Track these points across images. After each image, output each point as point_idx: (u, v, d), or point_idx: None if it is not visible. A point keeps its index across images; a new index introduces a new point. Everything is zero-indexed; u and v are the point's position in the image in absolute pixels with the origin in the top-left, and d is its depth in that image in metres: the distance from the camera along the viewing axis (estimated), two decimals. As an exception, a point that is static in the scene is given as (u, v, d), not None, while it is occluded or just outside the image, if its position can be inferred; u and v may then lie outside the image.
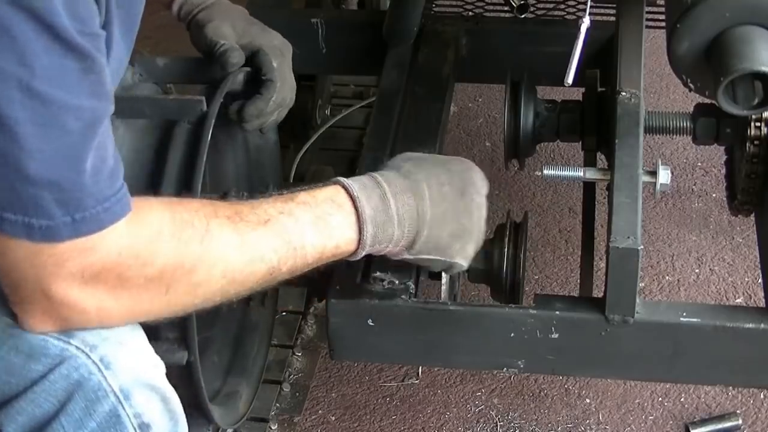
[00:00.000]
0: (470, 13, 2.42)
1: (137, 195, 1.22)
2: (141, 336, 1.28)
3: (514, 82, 1.92)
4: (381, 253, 1.47)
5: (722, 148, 2.02)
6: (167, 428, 1.30)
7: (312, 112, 2.53)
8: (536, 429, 2.11)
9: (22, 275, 1.16)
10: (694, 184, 2.61)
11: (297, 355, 2.22)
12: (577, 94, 1.99)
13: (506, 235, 1.68)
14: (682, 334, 1.63)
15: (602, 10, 2.09)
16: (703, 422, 2.10)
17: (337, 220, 1.39)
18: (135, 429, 1.25)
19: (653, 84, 2.83)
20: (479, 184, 1.53)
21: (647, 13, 2.01)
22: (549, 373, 2.13)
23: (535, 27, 2.20)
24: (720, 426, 2.09)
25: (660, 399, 2.14)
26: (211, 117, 1.48)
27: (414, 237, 1.46)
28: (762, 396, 2.14)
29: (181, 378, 1.49)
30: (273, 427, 2.09)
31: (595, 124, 1.92)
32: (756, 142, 1.76)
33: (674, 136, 1.89)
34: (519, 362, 1.68)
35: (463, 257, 1.52)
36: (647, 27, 1.97)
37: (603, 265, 1.62)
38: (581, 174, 1.74)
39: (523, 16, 2.17)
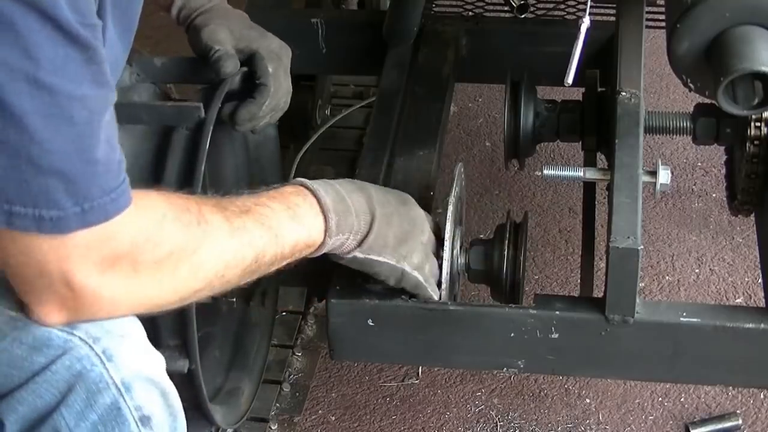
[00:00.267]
0: (470, 13, 2.42)
1: None
2: (141, 330, 1.29)
3: (514, 82, 1.92)
4: (339, 248, 1.51)
5: (722, 148, 2.02)
6: (167, 422, 1.30)
7: (312, 112, 2.53)
8: (536, 429, 2.11)
9: (41, 268, 1.16)
10: (694, 184, 2.61)
11: (297, 355, 2.22)
12: (577, 94, 1.99)
13: (506, 235, 1.69)
14: (682, 334, 1.63)
15: (602, 10, 2.09)
16: (703, 422, 2.10)
17: (304, 209, 1.45)
18: (135, 422, 1.26)
19: (653, 84, 2.83)
20: (417, 205, 1.62)
21: (647, 13, 2.01)
22: (549, 373, 2.13)
23: (535, 27, 2.20)
24: (720, 426, 2.09)
25: (660, 399, 2.14)
26: (209, 124, 1.49)
27: (367, 231, 1.51)
28: (762, 396, 2.14)
29: (183, 383, 1.50)
30: (273, 427, 2.09)
31: (595, 124, 1.92)
32: (756, 142, 1.76)
33: (674, 136, 1.89)
34: (519, 362, 1.68)
35: (411, 266, 1.55)
36: (647, 27, 1.97)
37: (603, 265, 1.62)
38: (581, 174, 1.74)
39: (523, 16, 2.17)
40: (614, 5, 2.03)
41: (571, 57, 1.61)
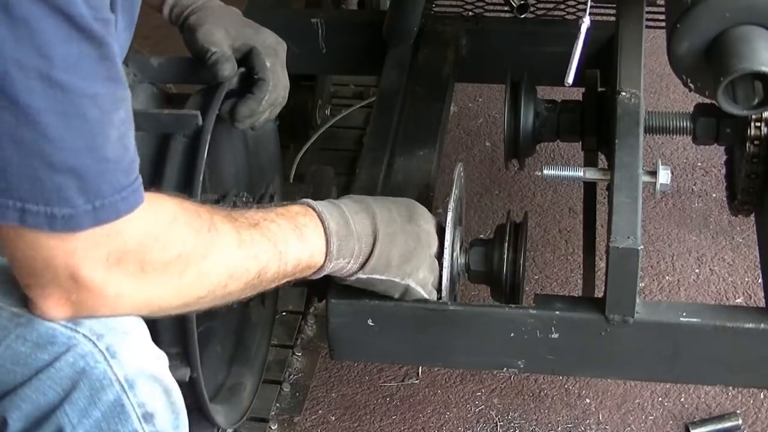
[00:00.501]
0: (470, 13, 2.42)
1: None
2: (144, 328, 1.29)
3: (514, 82, 1.92)
4: (339, 272, 1.52)
5: (722, 148, 2.02)
6: (169, 420, 1.30)
7: (312, 112, 2.53)
8: (536, 429, 2.11)
9: (48, 262, 1.17)
10: (694, 184, 2.61)
11: (297, 355, 2.22)
12: (577, 94, 1.99)
13: (506, 235, 1.68)
14: (682, 334, 1.63)
15: (602, 10, 2.09)
16: (703, 422, 2.10)
17: (310, 230, 1.46)
18: (139, 419, 1.26)
19: (653, 84, 2.84)
20: (426, 216, 1.61)
21: (647, 13, 2.01)
22: (549, 373, 2.13)
23: (535, 27, 2.20)
24: (720, 426, 2.09)
25: (660, 399, 2.14)
26: (207, 133, 1.49)
27: (369, 254, 1.52)
28: (762, 396, 2.14)
29: (185, 389, 1.51)
30: (273, 427, 2.09)
31: (595, 124, 1.92)
32: (756, 142, 1.76)
33: (674, 136, 1.89)
34: (519, 362, 1.68)
35: (416, 281, 1.56)
36: (647, 27, 1.97)
37: (603, 265, 1.62)
38: (581, 174, 1.74)
39: (523, 16, 2.17)
40: (614, 5, 2.03)
41: (571, 57, 1.61)
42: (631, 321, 1.61)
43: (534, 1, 2.33)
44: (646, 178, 1.68)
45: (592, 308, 1.63)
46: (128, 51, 1.44)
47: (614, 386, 2.16)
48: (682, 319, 1.62)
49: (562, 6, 2.47)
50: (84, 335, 1.22)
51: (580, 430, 2.10)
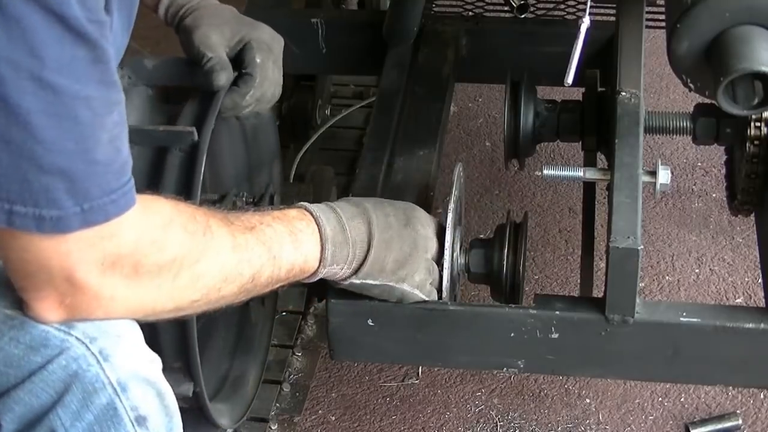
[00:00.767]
0: (470, 13, 2.42)
1: None
2: (138, 331, 1.29)
3: (514, 82, 1.92)
4: (333, 276, 1.52)
5: (722, 148, 2.02)
6: (163, 423, 1.30)
7: (312, 112, 2.53)
8: (536, 429, 2.11)
9: (42, 264, 1.17)
10: (694, 184, 2.61)
11: (297, 355, 2.22)
12: (577, 94, 1.99)
13: (506, 235, 1.68)
14: (682, 334, 1.63)
15: (602, 10, 2.09)
16: (703, 422, 2.10)
17: (305, 236, 1.46)
18: (131, 422, 1.26)
19: (653, 84, 2.84)
20: (424, 220, 1.60)
21: (647, 13, 2.01)
22: (549, 373, 2.13)
23: (535, 27, 2.20)
24: (720, 426, 2.09)
25: (660, 399, 2.14)
26: (203, 152, 1.49)
27: (363, 259, 1.52)
28: (762, 396, 2.14)
29: (188, 401, 1.53)
30: (273, 427, 2.09)
31: (595, 124, 1.92)
32: (756, 142, 1.76)
33: (674, 136, 1.89)
34: (519, 362, 1.68)
35: (411, 285, 1.56)
36: (647, 27, 1.97)
37: (603, 265, 1.62)
38: (581, 174, 1.74)
39: (523, 16, 2.17)
40: (614, 5, 2.03)
41: (571, 57, 1.61)
42: (631, 321, 1.61)
43: (534, 1, 2.33)
44: (646, 178, 1.68)
45: (592, 308, 1.63)
46: (125, 52, 1.44)
47: (614, 386, 2.16)
48: (682, 319, 1.62)
49: (562, 6, 2.47)
50: (77, 338, 1.22)
51: (580, 430, 2.10)
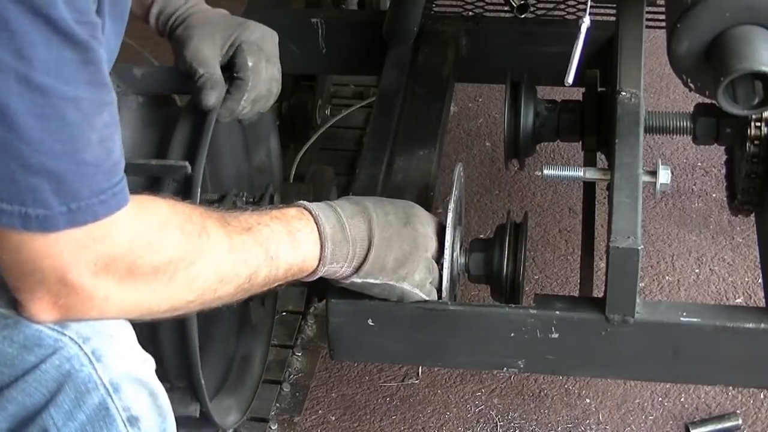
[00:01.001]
0: (470, 13, 2.42)
1: None
2: (131, 331, 1.29)
3: (514, 82, 1.92)
4: (333, 275, 1.52)
5: (722, 148, 2.02)
6: (156, 423, 1.30)
7: (312, 112, 2.53)
8: (536, 429, 2.11)
9: (34, 264, 1.17)
10: (694, 184, 2.61)
11: (297, 355, 2.22)
12: (577, 94, 1.99)
13: (506, 235, 1.68)
14: (682, 334, 1.63)
15: (602, 10, 2.09)
16: (703, 422, 2.10)
17: (304, 235, 1.46)
18: (124, 422, 1.26)
19: (653, 84, 2.84)
20: (424, 219, 1.60)
21: (647, 13, 2.01)
22: (549, 373, 2.13)
23: (535, 27, 2.20)
24: (720, 426, 2.09)
25: (660, 399, 2.14)
26: (197, 184, 1.49)
27: (363, 258, 1.52)
28: (762, 396, 2.14)
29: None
30: (273, 427, 2.09)
31: (595, 124, 1.92)
32: (756, 142, 1.76)
33: (674, 136, 1.89)
34: (519, 362, 1.68)
35: (411, 284, 1.56)
36: (647, 27, 1.97)
37: (603, 265, 1.62)
38: (581, 174, 1.74)
39: (523, 16, 2.17)
40: (614, 5, 2.03)
41: (571, 57, 1.61)
42: (631, 321, 1.61)
43: (534, 1, 2.33)
44: (646, 178, 1.68)
45: (592, 308, 1.63)
46: (117, 56, 1.43)
47: (614, 386, 2.16)
48: (682, 319, 1.62)
49: (562, 6, 2.47)
50: (70, 338, 1.22)
51: (580, 430, 2.10)
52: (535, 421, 2.12)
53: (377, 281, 1.54)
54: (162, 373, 1.34)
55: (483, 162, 2.69)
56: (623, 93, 1.80)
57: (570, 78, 1.60)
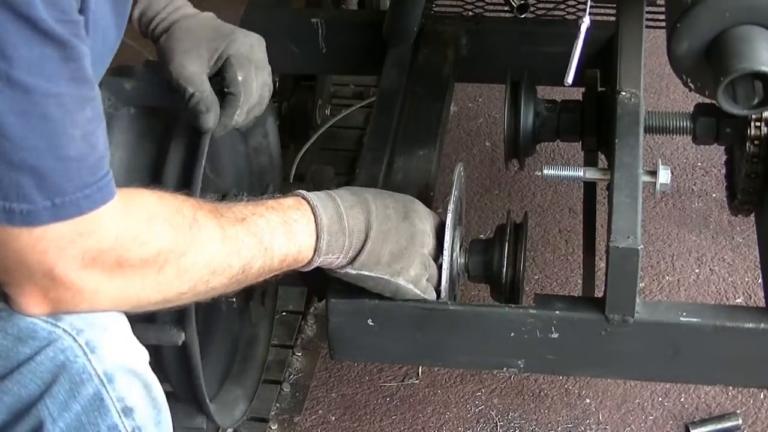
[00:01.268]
0: (470, 13, 2.42)
1: None
2: (125, 323, 1.30)
3: (514, 82, 1.92)
4: (328, 265, 1.52)
5: (722, 148, 2.02)
6: (150, 414, 1.31)
7: (312, 112, 2.53)
8: (536, 429, 2.11)
9: (20, 259, 1.18)
10: (694, 184, 2.61)
11: (297, 355, 2.22)
12: (577, 94, 1.99)
13: (506, 235, 1.68)
14: (682, 334, 1.63)
15: (602, 10, 2.09)
16: (703, 422, 2.10)
17: (300, 226, 1.46)
18: (118, 412, 1.27)
19: (653, 84, 2.83)
20: (423, 215, 1.59)
21: (647, 13, 2.01)
22: (549, 373, 2.13)
23: (535, 27, 2.20)
24: (720, 426, 2.09)
25: (660, 399, 2.14)
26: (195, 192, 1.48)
27: (359, 250, 1.51)
28: (762, 396, 2.14)
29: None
30: (273, 427, 2.09)
31: (595, 124, 1.92)
32: (756, 142, 1.76)
33: (674, 136, 1.89)
34: (519, 362, 1.68)
35: (406, 279, 1.55)
36: (647, 27, 1.97)
37: (603, 265, 1.62)
38: (581, 174, 1.74)
39: (523, 16, 2.17)
40: (614, 5, 2.03)
41: (571, 57, 1.61)
42: (631, 321, 1.61)
43: (534, 1, 2.33)
44: (646, 178, 1.68)
45: (592, 308, 1.63)
46: (116, 56, 1.43)
47: (614, 386, 2.16)
48: (682, 319, 1.62)
49: (562, 6, 2.47)
50: (64, 330, 1.23)
51: (580, 430, 2.10)
52: (535, 421, 2.12)
53: (372, 274, 1.54)
54: (162, 375, 1.35)
55: (483, 162, 2.69)
56: (623, 93, 1.80)
57: (570, 78, 1.60)
